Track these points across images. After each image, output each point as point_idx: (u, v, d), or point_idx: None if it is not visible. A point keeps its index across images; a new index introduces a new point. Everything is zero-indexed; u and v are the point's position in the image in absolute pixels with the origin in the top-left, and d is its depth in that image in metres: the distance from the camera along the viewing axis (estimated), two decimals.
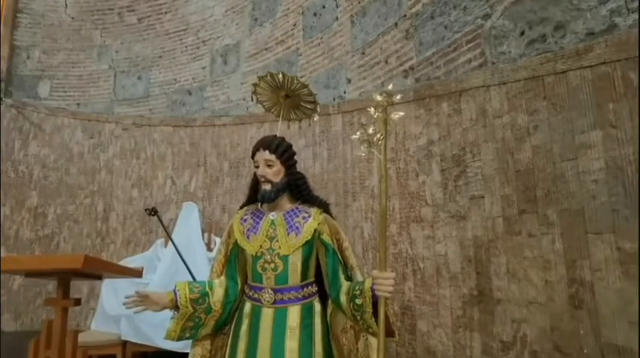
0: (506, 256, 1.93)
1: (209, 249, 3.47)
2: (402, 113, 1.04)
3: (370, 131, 1.05)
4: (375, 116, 1.04)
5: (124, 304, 1.28)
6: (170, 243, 3.33)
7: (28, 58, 5.11)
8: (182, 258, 2.61)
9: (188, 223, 3.47)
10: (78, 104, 4.97)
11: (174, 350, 2.75)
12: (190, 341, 1.38)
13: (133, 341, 2.94)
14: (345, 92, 3.16)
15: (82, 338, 2.97)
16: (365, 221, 2.81)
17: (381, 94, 1.02)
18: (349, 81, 3.15)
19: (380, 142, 1.03)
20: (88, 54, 5.06)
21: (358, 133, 1.06)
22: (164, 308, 1.30)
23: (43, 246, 4.59)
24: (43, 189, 4.68)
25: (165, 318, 2.89)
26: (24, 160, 4.78)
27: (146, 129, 4.62)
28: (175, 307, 1.30)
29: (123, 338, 2.96)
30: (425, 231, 2.38)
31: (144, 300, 1.27)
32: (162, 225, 2.67)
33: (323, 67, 3.38)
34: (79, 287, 4.32)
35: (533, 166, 1.82)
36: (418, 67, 2.63)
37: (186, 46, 4.70)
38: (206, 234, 3.62)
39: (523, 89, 1.88)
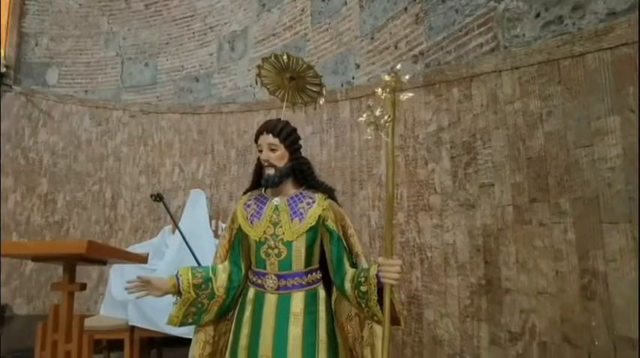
0: (516, 245, 1.89)
1: (216, 236, 3.47)
2: (411, 94, 1.00)
3: (377, 113, 1.01)
4: (383, 97, 0.99)
5: (127, 289, 1.27)
6: (177, 230, 3.34)
7: (36, 45, 5.12)
8: (188, 245, 2.61)
9: (195, 210, 3.47)
10: (86, 91, 4.97)
11: (180, 335, 2.77)
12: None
13: (140, 326, 2.96)
14: (353, 78, 3.11)
15: (91, 323, 3.01)
16: (372, 209, 2.77)
17: (389, 74, 0.98)
18: (358, 66, 3.09)
19: (388, 125, 0.99)
20: (95, 41, 5.04)
21: (365, 115, 1.02)
22: (166, 293, 1.29)
23: (53, 232, 4.64)
24: (52, 175, 4.72)
25: (170, 304, 2.92)
26: (34, 147, 4.81)
27: (153, 116, 4.61)
28: (178, 292, 1.29)
29: (130, 323, 2.99)
30: (433, 220, 2.34)
31: (146, 285, 1.26)
32: (168, 210, 2.66)
33: (331, 53, 3.32)
34: (89, 273, 4.38)
35: (546, 153, 1.76)
36: (428, 52, 2.56)
37: (193, 33, 4.65)
38: (214, 221, 3.62)
39: (537, 74, 1.82)
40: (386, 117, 0.99)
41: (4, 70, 4.75)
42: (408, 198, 2.50)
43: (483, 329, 2.02)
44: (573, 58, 1.64)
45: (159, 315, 2.88)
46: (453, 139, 2.29)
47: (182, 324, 1.30)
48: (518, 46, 1.96)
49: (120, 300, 3.10)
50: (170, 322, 1.30)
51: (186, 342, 2.85)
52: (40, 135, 4.83)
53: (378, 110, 1.01)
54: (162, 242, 3.46)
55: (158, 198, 2.59)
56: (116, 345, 3.33)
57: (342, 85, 3.17)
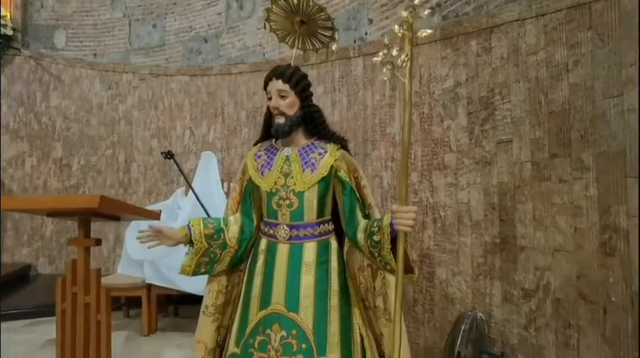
0: (533, 203, 1.84)
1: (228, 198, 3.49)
2: (429, 30, 0.93)
3: (394, 52, 0.94)
4: (400, 34, 0.93)
5: (138, 238, 1.28)
6: (190, 191, 3.36)
7: (41, 6, 5.02)
8: (202, 204, 2.62)
9: (207, 173, 3.47)
10: (94, 54, 4.91)
11: (196, 293, 2.84)
12: None
13: (156, 284, 3.04)
14: (366, 34, 2.98)
15: (109, 281, 3.11)
16: (385, 170, 2.73)
17: (406, 10, 0.91)
18: (371, 21, 2.95)
19: (405, 65, 0.93)
20: (101, 1, 4.91)
21: (381, 54, 0.96)
22: (178, 243, 1.29)
23: None
24: (66, 140, 4.75)
25: None
26: (46, 112, 4.82)
27: (163, 79, 4.55)
28: (190, 242, 1.29)
29: (147, 281, 3.07)
30: (447, 179, 2.29)
31: (158, 235, 1.26)
32: (179, 167, 2.66)
33: (343, 8, 3.17)
34: (106, 235, 4.49)
35: (570, 106, 1.67)
36: (445, 4, 2.42)
37: None
38: (225, 184, 3.63)
39: (565, 20, 1.70)
40: (403, 57, 0.93)
41: (10, 32, 4.69)
42: (422, 157, 2.45)
43: (496, 286, 2.01)
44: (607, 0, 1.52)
45: (174, 274, 2.92)
46: (470, 95, 2.20)
47: (194, 273, 1.30)
48: None
49: (136, 259, 3.18)
50: (183, 271, 1.30)
51: (202, 300, 2.94)
52: (51, 100, 4.82)
53: (395, 50, 0.94)
54: (175, 204, 3.50)
55: (169, 155, 2.59)
56: (134, 303, 3.45)
57: (354, 42, 3.04)
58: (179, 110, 4.39)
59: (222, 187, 3.50)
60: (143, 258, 3.09)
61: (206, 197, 2.97)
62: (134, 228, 3.43)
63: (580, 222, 1.63)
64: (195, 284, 2.86)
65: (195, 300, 2.91)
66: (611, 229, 1.52)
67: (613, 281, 1.51)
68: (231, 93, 4.07)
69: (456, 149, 2.25)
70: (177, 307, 3.60)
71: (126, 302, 3.54)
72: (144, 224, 3.35)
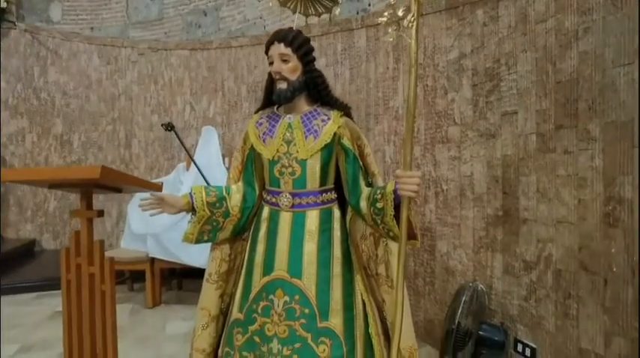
0: (537, 175, 1.82)
1: None
2: None
3: (400, 13, 0.91)
4: None
5: (140, 206, 1.27)
6: (192, 166, 3.35)
7: None
8: (204, 177, 2.62)
9: (208, 147, 3.45)
10: (91, 28, 4.81)
11: (199, 266, 2.87)
12: None
13: (159, 257, 3.07)
14: (369, 5, 2.90)
15: (113, 255, 3.13)
16: (387, 144, 2.71)
17: None
18: None
19: (411, 25, 0.90)
20: None
21: (386, 14, 0.92)
22: (180, 211, 1.28)
23: None
24: (66, 116, 4.72)
25: None
26: (45, 87, 4.77)
27: (162, 53, 4.47)
28: (192, 210, 1.28)
29: (150, 255, 3.10)
30: (451, 152, 2.27)
31: (160, 203, 1.25)
32: (180, 139, 2.64)
33: None
34: (109, 211, 4.52)
35: (578, 75, 1.63)
36: None
37: None
38: (227, 159, 3.62)
39: None
40: (409, 17, 0.89)
41: (4, 4, 4.58)
42: (426, 130, 2.42)
43: (497, 259, 2.02)
44: None
45: (177, 248, 2.98)
46: (475, 66, 2.15)
47: (197, 241, 1.30)
48: None
49: (139, 234, 3.20)
50: (185, 239, 1.30)
51: (204, 272, 2.97)
52: (49, 75, 4.76)
53: (401, 10, 0.91)
54: (176, 179, 3.49)
55: (169, 127, 2.57)
56: (138, 277, 3.50)
57: (357, 13, 2.96)
58: (179, 85, 4.33)
59: (224, 163, 3.49)
60: (146, 232, 3.11)
61: (207, 172, 2.96)
62: (136, 203, 3.44)
63: (584, 194, 1.62)
64: (198, 258, 2.90)
65: (198, 274, 2.94)
66: (616, 200, 1.51)
67: (615, 252, 1.51)
68: (231, 67, 4.00)
69: (459, 122, 2.22)
70: (181, 280, 3.65)
71: (130, 276, 3.59)
72: (145, 198, 3.37)
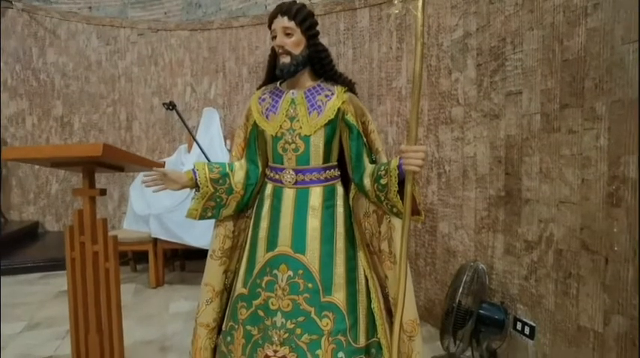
0: (541, 155, 1.81)
1: None
2: None
3: None
4: None
5: (144, 182, 1.27)
6: (193, 148, 3.34)
7: None
8: (206, 156, 2.61)
9: (210, 128, 3.44)
10: (90, 7, 4.73)
11: (202, 247, 2.89)
12: None
13: (162, 238, 3.09)
14: None
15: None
16: (390, 125, 2.69)
17: None
18: None
19: None
20: None
21: None
22: (184, 187, 1.28)
23: None
24: (66, 98, 4.69)
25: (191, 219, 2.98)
26: (44, 69, 4.72)
27: (162, 34, 4.41)
28: (195, 186, 1.28)
29: (153, 235, 3.12)
30: (454, 133, 2.26)
31: (163, 178, 1.25)
32: (181, 117, 2.62)
33: None
34: (111, 193, 4.53)
35: (585, 53, 1.61)
36: None
37: None
38: (228, 141, 3.60)
39: None
40: None
41: None
42: (429, 111, 2.40)
43: (499, 239, 2.03)
44: None
45: (179, 228, 2.99)
46: (480, 45, 2.12)
47: (201, 217, 1.31)
48: None
49: (141, 215, 3.22)
50: (189, 215, 1.31)
51: (206, 253, 3.00)
52: (48, 56, 4.71)
53: None
54: (178, 160, 3.49)
55: (171, 106, 2.55)
56: (141, 258, 3.53)
57: None
58: (179, 66, 4.29)
59: (225, 145, 3.48)
60: (148, 214, 3.12)
61: (209, 153, 2.96)
62: (139, 185, 3.45)
63: (588, 174, 1.61)
64: (201, 238, 2.92)
65: (201, 255, 2.97)
66: (619, 180, 1.50)
67: (617, 231, 1.51)
68: (232, 47, 3.96)
69: (463, 102, 2.20)
70: (184, 262, 3.69)
71: (133, 257, 3.62)
72: None
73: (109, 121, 4.59)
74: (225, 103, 4.04)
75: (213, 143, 3.29)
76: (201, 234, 2.89)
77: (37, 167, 4.76)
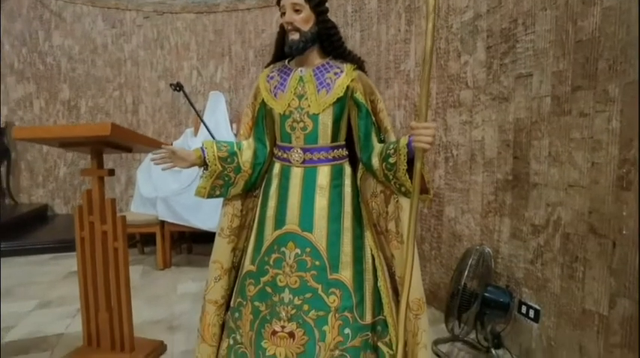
0: (550, 138, 1.79)
1: None
2: None
3: None
4: None
5: (152, 160, 1.28)
6: (199, 131, 3.34)
7: None
8: (213, 138, 2.61)
9: (215, 112, 3.44)
10: None
11: (209, 229, 2.92)
12: None
13: (169, 221, 3.12)
14: None
15: None
16: (398, 109, 2.67)
17: None
18: None
19: None
20: None
21: None
22: (192, 165, 1.29)
23: None
24: (72, 81, 4.69)
25: (197, 201, 3.00)
26: (50, 52, 4.72)
27: (168, 16, 4.38)
28: (204, 164, 1.29)
29: (160, 218, 3.15)
30: (462, 117, 2.24)
31: (171, 156, 1.26)
32: (188, 98, 2.62)
33: None
34: (118, 176, 4.57)
35: (600, 34, 1.57)
36: None
37: None
38: (234, 125, 3.60)
39: None
40: None
41: None
42: (437, 94, 2.38)
43: (505, 223, 2.03)
44: None
45: (186, 211, 3.02)
46: (490, 27, 2.08)
47: (209, 196, 1.31)
48: None
49: (149, 198, 3.24)
50: (198, 193, 1.32)
51: (213, 236, 3.03)
52: (54, 39, 4.70)
53: None
54: (184, 144, 3.50)
55: (178, 87, 2.54)
56: (149, 241, 3.57)
57: None
58: (185, 50, 4.26)
59: (231, 129, 3.48)
60: (155, 196, 3.15)
61: (215, 136, 2.95)
62: (146, 168, 3.47)
63: (598, 157, 1.59)
64: (207, 221, 2.94)
65: (207, 238, 3.00)
66: (630, 163, 1.48)
67: (626, 215, 1.50)
68: (238, 30, 3.92)
69: (472, 85, 2.18)
70: (191, 244, 3.73)
71: (140, 240, 3.66)
72: (155, 166, 3.39)
73: (116, 105, 4.60)
74: (231, 87, 4.03)
75: (219, 127, 3.29)
76: (208, 217, 2.91)
77: (45, 151, 4.79)
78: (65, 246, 3.55)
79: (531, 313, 1.89)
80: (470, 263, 1.93)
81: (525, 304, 1.92)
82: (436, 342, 2.04)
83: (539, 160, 1.84)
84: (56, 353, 1.98)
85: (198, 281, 2.91)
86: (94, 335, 1.88)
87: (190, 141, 3.46)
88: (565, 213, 1.73)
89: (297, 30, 1.19)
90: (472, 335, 2.03)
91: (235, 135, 3.54)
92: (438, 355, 1.98)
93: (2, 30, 4.60)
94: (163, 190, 3.14)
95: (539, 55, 1.83)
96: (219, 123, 3.34)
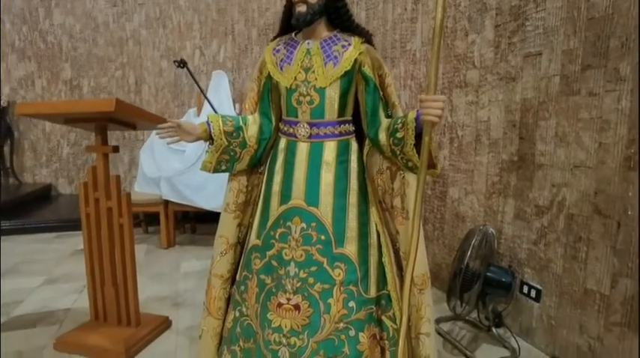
0: (557, 119, 1.78)
1: None
2: None
3: None
4: None
5: (157, 134, 1.27)
6: (202, 111, 3.32)
7: None
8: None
9: (219, 91, 3.41)
10: None
11: (212, 209, 2.93)
12: None
13: (172, 200, 3.13)
14: None
15: None
16: (403, 89, 2.64)
17: None
18: None
19: None
20: None
21: None
22: (197, 138, 1.28)
23: None
24: (74, 61, 4.65)
25: (200, 181, 3.00)
26: (50, 30, 4.66)
27: None
28: (209, 139, 1.29)
29: (164, 198, 3.16)
30: (468, 97, 2.22)
31: (177, 130, 1.25)
32: (192, 76, 2.59)
33: None
34: (121, 157, 4.57)
35: (613, 11, 1.54)
36: None
37: None
38: (237, 105, 3.58)
39: None
40: None
41: None
42: (443, 74, 2.35)
43: (509, 204, 2.03)
44: None
45: (190, 191, 3.03)
46: (499, 5, 2.04)
47: (215, 171, 1.31)
48: None
49: (152, 177, 3.25)
50: (204, 167, 1.31)
51: (216, 215, 3.04)
52: (54, 17, 4.64)
53: None
54: None
55: (182, 64, 2.52)
56: (152, 220, 3.60)
57: None
58: (188, 29, 4.21)
59: (234, 108, 3.46)
60: (159, 176, 3.15)
61: None
62: (149, 148, 3.47)
63: (606, 137, 1.58)
64: (211, 201, 2.95)
65: (211, 219, 3.01)
66: (639, 143, 1.47)
67: (632, 195, 1.50)
68: (241, 9, 3.86)
69: (479, 65, 2.15)
70: (195, 224, 3.75)
71: (144, 219, 3.69)
72: (157, 143, 3.37)
73: (118, 85, 4.57)
74: (234, 66, 3.99)
75: (222, 106, 3.27)
76: (211, 197, 2.92)
77: (48, 130, 4.78)
78: (70, 225, 3.58)
79: (533, 293, 1.90)
80: (473, 243, 1.93)
81: (527, 284, 1.93)
82: (438, 321, 2.07)
83: (546, 141, 1.83)
84: (64, 327, 2.01)
85: (202, 260, 2.93)
86: (100, 310, 1.92)
87: (193, 121, 3.44)
88: (570, 194, 1.73)
89: (305, 2, 1.17)
90: (473, 315, 2.06)
91: (238, 114, 3.52)
92: (439, 333, 2.00)
93: (2, 7, 4.54)
94: (167, 170, 3.14)
95: (550, 33, 1.80)
96: (222, 103, 3.32)
